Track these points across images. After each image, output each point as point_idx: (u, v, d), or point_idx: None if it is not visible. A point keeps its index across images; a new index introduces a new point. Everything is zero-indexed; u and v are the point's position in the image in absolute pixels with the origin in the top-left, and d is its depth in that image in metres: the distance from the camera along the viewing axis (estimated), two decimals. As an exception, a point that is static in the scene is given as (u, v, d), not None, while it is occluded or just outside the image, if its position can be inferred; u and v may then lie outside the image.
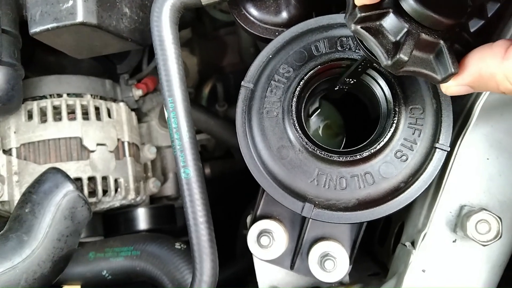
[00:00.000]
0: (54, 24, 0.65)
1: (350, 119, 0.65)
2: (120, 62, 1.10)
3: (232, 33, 1.32)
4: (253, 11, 0.64)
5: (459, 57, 0.41)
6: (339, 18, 0.57)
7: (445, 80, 0.40)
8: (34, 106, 0.88)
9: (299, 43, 0.56)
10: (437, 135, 0.53)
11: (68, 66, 1.09)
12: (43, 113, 0.88)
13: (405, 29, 0.39)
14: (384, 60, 0.39)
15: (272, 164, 0.54)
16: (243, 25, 0.64)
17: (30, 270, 0.60)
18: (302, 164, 0.53)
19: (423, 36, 0.39)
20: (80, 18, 0.65)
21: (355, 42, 0.53)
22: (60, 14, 0.65)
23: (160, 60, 0.60)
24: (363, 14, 0.39)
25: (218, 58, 1.39)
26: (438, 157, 0.53)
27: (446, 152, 0.53)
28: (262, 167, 0.55)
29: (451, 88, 0.42)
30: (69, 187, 0.67)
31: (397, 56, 0.38)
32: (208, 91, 1.28)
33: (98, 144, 0.88)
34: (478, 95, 0.58)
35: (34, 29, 0.66)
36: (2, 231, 0.64)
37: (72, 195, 0.66)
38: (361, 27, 0.40)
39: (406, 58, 0.38)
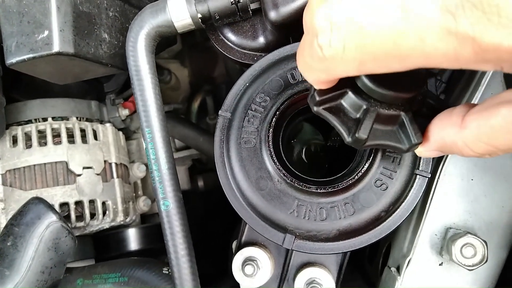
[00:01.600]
0: (30, 55, 0.64)
1: (331, 143, 0.64)
2: (107, 80, 1.09)
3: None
4: (231, 36, 0.63)
5: (426, 122, 0.41)
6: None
7: (410, 149, 0.41)
8: (19, 131, 0.87)
9: (275, 71, 0.55)
10: (417, 161, 0.52)
11: (56, 87, 1.08)
12: (28, 138, 0.88)
13: (364, 107, 0.39)
14: (346, 138, 0.40)
15: (251, 195, 0.54)
16: (221, 51, 0.63)
17: (13, 306, 0.60)
18: (281, 195, 0.52)
19: (382, 111, 0.39)
20: (56, 48, 0.64)
21: None
22: (36, 45, 0.64)
23: (137, 90, 0.59)
24: (322, 98, 0.40)
25: (209, 69, 1.38)
26: (419, 184, 0.52)
27: (427, 178, 0.52)
28: (242, 198, 0.54)
29: (423, 153, 0.42)
30: (52, 217, 0.66)
31: (356, 135, 0.39)
32: (197, 105, 1.28)
33: (84, 168, 0.88)
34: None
35: (10, 60, 0.66)
36: (-16, 266, 0.64)
37: (55, 226, 0.66)
38: (323, 108, 0.41)
39: (364, 136, 0.39)
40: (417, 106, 0.40)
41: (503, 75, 0.59)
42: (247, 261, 0.61)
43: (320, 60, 0.33)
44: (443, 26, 0.27)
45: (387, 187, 0.52)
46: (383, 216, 0.52)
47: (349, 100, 0.40)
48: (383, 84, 0.38)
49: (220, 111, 0.56)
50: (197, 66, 1.36)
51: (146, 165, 1.09)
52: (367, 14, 0.29)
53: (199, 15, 0.58)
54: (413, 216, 0.60)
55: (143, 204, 1.03)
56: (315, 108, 0.41)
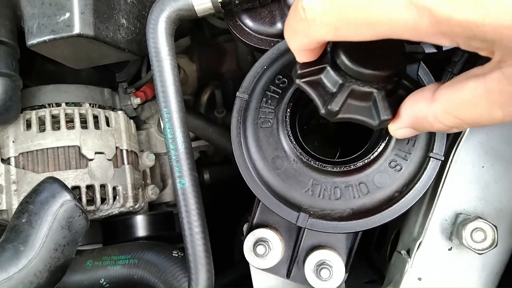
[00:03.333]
0: (51, 36, 0.66)
1: (345, 128, 0.65)
2: (119, 71, 1.10)
3: (231, 40, 1.33)
4: (248, 22, 0.64)
5: (401, 102, 0.44)
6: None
7: (380, 125, 0.43)
8: (33, 115, 0.88)
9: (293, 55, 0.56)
10: (431, 144, 0.53)
11: (68, 74, 1.09)
12: (41, 122, 0.89)
13: (339, 82, 0.42)
14: (321, 109, 0.44)
15: (267, 174, 0.55)
16: (239, 36, 0.65)
17: (27, 281, 0.61)
18: (297, 174, 0.53)
19: (356, 88, 0.42)
20: (77, 30, 0.65)
21: None
22: (57, 26, 0.66)
23: (156, 72, 0.60)
24: (304, 71, 0.44)
25: (217, 64, 1.39)
26: (433, 166, 0.53)
27: (440, 161, 0.53)
28: (257, 177, 0.55)
29: (396, 132, 0.44)
30: (66, 196, 0.67)
31: (328, 107, 0.43)
32: (206, 98, 1.29)
33: (96, 153, 0.89)
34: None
35: (31, 41, 0.67)
36: (-1, 242, 0.64)
37: (69, 205, 0.67)
38: (303, 81, 0.44)
39: (336, 108, 0.42)
40: (392, 86, 0.43)
41: None
42: (259, 241, 0.62)
43: (302, 22, 0.37)
44: None
45: (401, 168, 0.53)
46: (397, 197, 0.53)
47: (327, 75, 0.43)
48: (359, 63, 0.41)
49: (238, 92, 0.57)
50: (205, 61, 1.37)
51: (155, 154, 1.11)
52: None
53: (220, 0, 0.60)
54: (424, 201, 0.61)
55: (151, 192, 1.04)
56: (296, 81, 0.44)
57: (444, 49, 0.64)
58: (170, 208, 1.15)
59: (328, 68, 0.43)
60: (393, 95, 0.43)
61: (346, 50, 0.41)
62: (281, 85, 0.56)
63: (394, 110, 0.43)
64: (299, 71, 0.44)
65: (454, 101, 0.38)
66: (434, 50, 0.65)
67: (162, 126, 0.60)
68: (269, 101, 0.56)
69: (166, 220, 1.03)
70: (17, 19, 0.78)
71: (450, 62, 0.68)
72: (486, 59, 0.35)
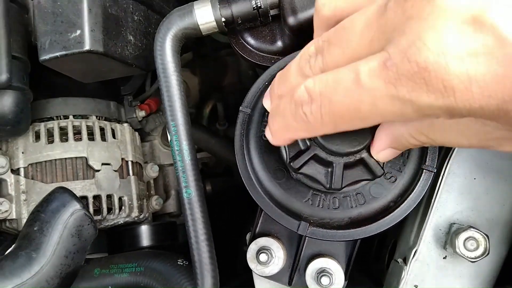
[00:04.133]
0: (63, 52, 0.69)
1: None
2: (124, 84, 1.14)
3: (232, 54, 1.36)
4: (250, 40, 0.68)
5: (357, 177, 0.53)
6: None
7: (377, 178, 0.53)
8: (42, 127, 0.91)
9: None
10: (424, 157, 0.56)
11: (74, 88, 1.12)
12: (50, 134, 0.92)
13: (332, 163, 0.52)
14: (325, 186, 0.53)
15: (269, 185, 0.57)
16: (241, 53, 0.68)
17: (39, 287, 0.63)
18: (297, 185, 0.56)
19: (347, 161, 0.51)
20: (87, 46, 0.69)
21: None
22: (69, 43, 0.69)
23: (163, 87, 0.63)
24: (297, 166, 0.52)
25: (219, 78, 1.43)
26: (425, 178, 0.56)
27: (433, 173, 0.56)
28: (260, 188, 0.58)
29: (378, 154, 0.49)
30: (76, 206, 0.70)
31: (333, 186, 0.52)
32: (208, 110, 1.32)
33: (103, 164, 0.92)
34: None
35: (43, 57, 0.70)
36: (11, 249, 0.67)
37: (79, 214, 0.69)
38: (301, 175, 0.55)
39: (339, 186, 0.52)
40: (352, 161, 0.51)
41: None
42: (262, 249, 0.64)
43: (305, 123, 0.41)
44: (388, 94, 0.35)
45: (395, 180, 0.55)
46: (392, 207, 0.56)
47: (318, 160, 0.52)
48: (326, 138, 0.49)
49: (241, 107, 0.60)
50: (207, 75, 1.41)
51: (159, 165, 1.13)
52: (333, 89, 0.38)
53: (223, 19, 0.63)
54: (419, 211, 0.64)
55: (155, 203, 1.06)
56: (294, 176, 0.56)
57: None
58: (173, 218, 1.17)
59: (317, 153, 0.51)
60: (351, 168, 0.52)
61: None
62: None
63: (346, 182, 0.52)
64: (294, 166, 0.52)
65: (426, 124, 0.42)
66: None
67: (169, 139, 0.63)
68: (271, 115, 0.59)
69: (169, 231, 1.05)
70: (28, 35, 0.82)
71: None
72: None
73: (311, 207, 0.56)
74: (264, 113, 0.59)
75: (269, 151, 0.58)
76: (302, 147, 0.52)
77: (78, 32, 0.69)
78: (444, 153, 0.61)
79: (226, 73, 1.44)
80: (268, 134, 0.47)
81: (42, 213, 0.69)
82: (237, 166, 0.58)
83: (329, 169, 0.52)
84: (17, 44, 0.79)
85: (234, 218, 1.30)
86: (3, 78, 0.73)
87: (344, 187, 0.53)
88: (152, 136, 1.19)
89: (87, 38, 0.69)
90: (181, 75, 0.64)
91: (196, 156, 0.63)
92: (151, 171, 1.09)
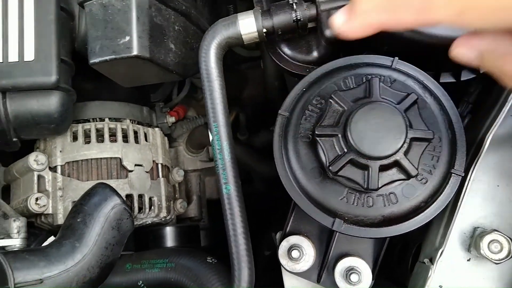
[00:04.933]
0: (112, 56, 0.74)
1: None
2: (154, 91, 1.19)
3: (253, 68, 1.42)
4: (287, 50, 0.73)
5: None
6: (365, 58, 0.65)
7: (367, 190, 0.58)
8: (79, 128, 0.96)
9: (330, 79, 0.64)
10: (453, 161, 0.60)
11: (104, 93, 1.18)
12: (86, 135, 0.97)
13: (344, 151, 0.58)
14: (363, 187, 0.58)
15: (306, 183, 0.61)
16: (278, 62, 0.73)
17: (81, 274, 0.67)
18: (333, 184, 0.60)
19: (355, 158, 0.56)
20: (135, 51, 0.74)
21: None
22: (118, 48, 0.74)
23: (206, 91, 0.68)
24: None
25: (239, 90, 1.48)
26: (454, 182, 0.60)
27: (461, 177, 0.60)
28: (297, 186, 0.62)
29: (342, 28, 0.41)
30: (117, 200, 0.74)
31: (370, 187, 0.57)
32: (232, 119, 1.37)
33: (136, 165, 0.96)
34: (488, 127, 0.65)
35: (93, 60, 0.76)
36: (56, 238, 0.71)
37: (119, 208, 0.73)
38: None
39: (375, 186, 0.57)
40: (386, 163, 0.56)
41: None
42: (293, 247, 0.68)
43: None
44: None
45: (426, 181, 0.59)
46: (422, 207, 0.59)
47: (355, 163, 0.57)
48: (361, 142, 0.54)
49: (280, 111, 0.65)
50: (228, 87, 1.46)
51: (185, 170, 1.18)
52: None
53: (265, 30, 0.68)
54: (445, 214, 0.67)
55: (180, 206, 1.10)
56: (330, 175, 0.60)
57: (462, 79, 0.71)
58: (195, 222, 1.21)
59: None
60: (386, 170, 0.57)
61: (356, 126, 0.54)
62: (318, 105, 0.64)
63: (382, 183, 0.57)
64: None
65: None
66: (452, 80, 0.72)
67: (210, 139, 0.68)
68: (308, 118, 0.63)
69: (193, 233, 1.09)
70: (72, 41, 0.88)
71: (467, 92, 0.76)
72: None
73: (346, 205, 0.59)
74: (302, 116, 0.63)
75: (306, 151, 0.62)
76: (339, 152, 0.56)
77: (127, 38, 0.74)
78: (470, 159, 0.65)
79: (246, 86, 1.48)
80: (342, 18, 0.39)
81: (85, 205, 0.73)
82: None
83: (365, 172, 0.56)
84: (64, 48, 0.84)
85: (252, 225, 1.33)
86: (52, 79, 0.78)
87: (381, 187, 0.56)
88: (177, 142, 1.24)
89: (135, 44, 0.74)
90: (223, 80, 0.69)
91: (235, 155, 0.67)
92: (177, 175, 1.13)
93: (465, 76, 0.71)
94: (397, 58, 0.64)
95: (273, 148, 0.63)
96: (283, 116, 0.65)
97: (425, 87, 0.62)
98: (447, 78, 0.71)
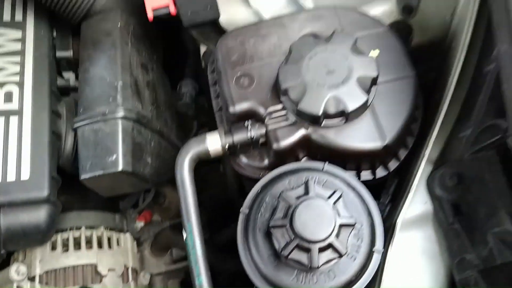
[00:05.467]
0: (101, 172, 0.90)
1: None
2: (122, 199, 1.32)
3: (211, 172, 1.60)
4: (244, 159, 0.92)
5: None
6: (304, 164, 0.85)
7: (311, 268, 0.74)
8: (58, 237, 1.05)
9: (279, 181, 0.82)
10: (374, 241, 0.78)
11: (75, 204, 1.29)
12: (64, 244, 1.06)
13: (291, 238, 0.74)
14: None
15: (264, 268, 0.76)
16: (237, 169, 0.92)
17: None
18: (286, 266, 0.76)
19: (300, 243, 0.72)
20: (120, 167, 0.90)
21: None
22: (106, 165, 0.91)
23: (181, 195, 0.85)
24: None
25: (200, 193, 1.63)
26: (376, 258, 0.77)
27: (381, 254, 0.78)
28: (257, 272, 0.76)
29: None
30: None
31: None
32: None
33: (109, 270, 1.05)
34: (399, 213, 0.86)
35: (84, 176, 0.91)
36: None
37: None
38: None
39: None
40: (324, 246, 0.73)
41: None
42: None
43: None
44: None
45: (355, 259, 0.76)
46: (353, 281, 0.74)
47: (300, 247, 0.73)
48: (302, 228, 0.72)
49: (241, 209, 0.82)
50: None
51: (150, 274, 1.26)
52: None
53: (227, 145, 0.88)
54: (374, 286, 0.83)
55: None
56: (283, 260, 0.75)
57: (377, 177, 0.93)
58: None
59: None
60: (324, 251, 0.72)
61: (299, 217, 0.71)
62: (270, 203, 0.81)
63: (321, 262, 0.71)
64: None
65: None
66: (370, 178, 0.94)
67: (184, 236, 0.82)
68: (263, 213, 0.79)
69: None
70: (58, 157, 1.01)
71: (386, 185, 0.97)
72: None
73: (297, 283, 0.74)
74: (258, 212, 0.80)
75: (263, 241, 0.78)
76: (288, 240, 0.73)
77: (114, 156, 0.91)
78: (389, 238, 0.84)
79: (207, 187, 1.64)
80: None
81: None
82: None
83: (309, 254, 0.72)
84: (54, 165, 0.99)
85: None
86: (45, 194, 0.91)
87: (321, 266, 0.73)
88: (143, 246, 1.33)
89: (121, 161, 0.91)
90: (194, 186, 0.86)
91: (205, 251, 0.82)
92: (143, 279, 1.21)
93: (380, 174, 0.93)
94: (327, 162, 0.85)
95: (237, 241, 0.79)
96: (244, 213, 0.82)
97: (348, 184, 0.82)
98: (366, 176, 0.93)
